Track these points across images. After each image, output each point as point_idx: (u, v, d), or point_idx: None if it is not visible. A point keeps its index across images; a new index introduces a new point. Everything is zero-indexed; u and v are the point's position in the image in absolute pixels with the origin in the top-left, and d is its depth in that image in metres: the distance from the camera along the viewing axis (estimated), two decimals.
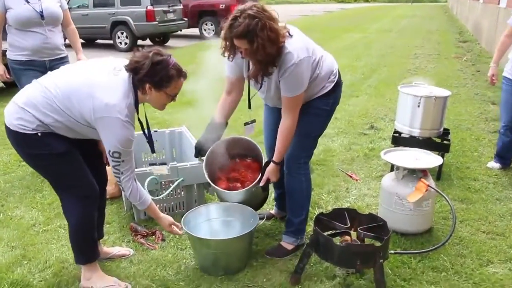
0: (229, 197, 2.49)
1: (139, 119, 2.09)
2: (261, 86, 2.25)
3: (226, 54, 2.14)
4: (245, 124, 2.59)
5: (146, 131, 2.16)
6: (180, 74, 2.01)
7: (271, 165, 2.33)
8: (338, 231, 2.30)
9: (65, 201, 2.13)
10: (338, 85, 2.38)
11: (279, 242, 2.64)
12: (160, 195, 2.94)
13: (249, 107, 2.50)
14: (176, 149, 3.68)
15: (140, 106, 2.07)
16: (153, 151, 2.27)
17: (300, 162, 2.42)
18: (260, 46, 1.96)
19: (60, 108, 1.94)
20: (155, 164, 2.78)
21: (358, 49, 10.30)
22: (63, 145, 2.01)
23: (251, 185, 2.42)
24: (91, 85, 1.92)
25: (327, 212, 2.42)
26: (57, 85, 1.96)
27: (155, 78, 1.96)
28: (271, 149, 2.49)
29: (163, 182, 2.97)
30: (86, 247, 2.23)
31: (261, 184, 2.39)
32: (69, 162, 2.05)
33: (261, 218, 2.58)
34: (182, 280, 2.35)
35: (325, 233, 2.22)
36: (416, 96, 3.44)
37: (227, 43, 2.07)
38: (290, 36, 2.09)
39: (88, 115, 1.92)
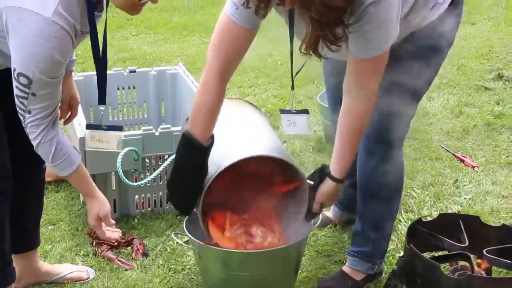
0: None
1: (90, 25, 1.97)
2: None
3: (252, 3, 1.85)
4: (282, 112, 2.47)
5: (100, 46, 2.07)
6: None
7: (329, 183, 2.21)
8: (448, 253, 2.24)
9: None
10: None
11: (341, 268, 2.62)
12: (142, 179, 2.92)
13: (292, 87, 2.41)
14: (167, 102, 3.65)
15: None
16: (102, 99, 2.18)
17: (391, 140, 2.36)
18: None
19: None
20: (99, 128, 2.48)
21: None
22: None
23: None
24: None
25: (427, 219, 2.37)
26: None
27: None
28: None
29: (146, 160, 2.94)
30: None
31: (314, 211, 2.29)
32: None
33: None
34: None
35: (425, 255, 2.17)
36: None
37: None
38: None
39: None
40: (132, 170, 2.92)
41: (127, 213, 3.02)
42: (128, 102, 3.65)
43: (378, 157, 2.36)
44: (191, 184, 2.19)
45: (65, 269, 2.57)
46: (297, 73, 2.33)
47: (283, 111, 2.47)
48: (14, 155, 2.17)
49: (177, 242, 2.79)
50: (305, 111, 2.45)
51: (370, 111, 2.11)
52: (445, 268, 2.23)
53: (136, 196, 3.02)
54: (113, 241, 2.74)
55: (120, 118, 3.67)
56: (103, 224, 2.26)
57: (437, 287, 2.08)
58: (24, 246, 2.45)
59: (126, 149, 2.79)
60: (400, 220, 3.04)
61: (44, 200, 3.01)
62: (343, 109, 2.12)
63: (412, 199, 3.25)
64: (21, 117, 1.97)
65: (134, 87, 3.61)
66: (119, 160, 2.76)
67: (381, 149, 2.36)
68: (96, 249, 2.77)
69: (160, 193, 3.05)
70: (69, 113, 2.40)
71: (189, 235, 2.35)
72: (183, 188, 2.21)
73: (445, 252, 2.27)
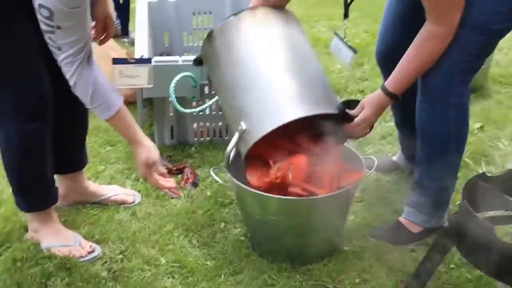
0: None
1: None
2: None
3: None
4: (336, 34, 2.45)
5: None
6: None
7: (379, 93, 2.16)
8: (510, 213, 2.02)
9: None
10: None
11: (397, 218, 2.46)
12: (200, 106, 2.79)
13: (346, 15, 2.33)
14: None
15: None
16: (125, 28, 2.10)
17: (452, 81, 2.15)
18: None
19: None
20: (126, 62, 2.41)
21: None
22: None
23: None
24: None
25: (495, 174, 2.14)
26: None
27: None
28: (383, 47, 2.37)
29: (206, 87, 2.85)
30: (27, 188, 2.23)
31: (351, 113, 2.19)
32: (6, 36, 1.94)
33: (369, 169, 2.35)
34: (212, 258, 2.26)
35: (481, 214, 1.95)
36: None
37: None
38: None
39: None
40: (190, 98, 2.82)
41: (184, 141, 2.95)
42: (204, 28, 3.53)
43: (435, 100, 2.18)
44: None
45: (110, 191, 2.56)
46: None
47: (337, 35, 2.48)
48: (58, 79, 2.07)
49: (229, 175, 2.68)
50: (353, 50, 2.41)
51: (443, 36, 2.03)
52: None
53: (195, 125, 2.94)
54: (165, 167, 2.69)
55: (195, 44, 3.56)
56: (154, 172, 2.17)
57: (488, 252, 1.85)
58: (69, 168, 2.46)
59: (181, 74, 2.67)
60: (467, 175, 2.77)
61: None
62: (422, 32, 2.04)
63: (497, 150, 3.00)
64: (55, 56, 1.91)
65: (210, 13, 3.48)
66: (172, 85, 2.65)
67: (439, 91, 2.16)
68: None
69: (220, 123, 2.94)
70: (105, 34, 2.32)
71: (229, 173, 2.22)
72: None
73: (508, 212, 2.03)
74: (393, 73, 2.13)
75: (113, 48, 3.29)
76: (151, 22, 3.37)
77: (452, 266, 2.24)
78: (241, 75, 2.11)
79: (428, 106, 2.20)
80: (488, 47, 2.14)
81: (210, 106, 2.79)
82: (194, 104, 2.85)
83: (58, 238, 2.27)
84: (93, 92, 1.95)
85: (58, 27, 1.82)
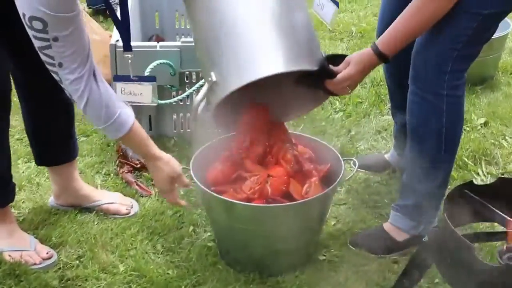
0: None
1: None
2: None
3: None
4: None
5: None
6: None
7: (368, 51, 2.00)
8: (497, 230, 1.90)
9: None
10: None
11: (382, 223, 2.33)
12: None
13: None
14: None
15: None
16: (127, 45, 2.09)
17: (444, 71, 2.03)
18: None
19: None
20: (128, 80, 2.32)
21: None
22: None
23: None
24: None
25: (484, 183, 2.04)
26: None
27: None
28: (383, 25, 2.20)
29: (187, 73, 2.72)
30: None
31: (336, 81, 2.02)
32: None
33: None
34: (176, 266, 2.13)
35: (463, 229, 1.85)
36: None
37: None
38: None
39: None
40: (168, 86, 2.68)
41: (163, 133, 2.83)
42: None
43: (426, 93, 2.06)
44: None
45: (105, 198, 2.40)
46: None
47: None
48: (34, 70, 1.97)
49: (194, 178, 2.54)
50: (336, 3, 2.26)
51: (452, 1, 1.88)
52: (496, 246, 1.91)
53: (174, 115, 2.80)
54: (136, 163, 2.57)
55: (189, 26, 3.38)
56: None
57: (468, 272, 1.71)
58: (49, 159, 2.34)
59: (155, 62, 2.55)
60: (478, 174, 2.65)
61: None
62: None
63: (500, 149, 2.82)
64: (56, 77, 1.74)
65: None
66: (146, 73, 2.53)
67: (430, 84, 2.04)
68: (118, 169, 2.60)
69: None
70: None
71: (192, 175, 2.06)
72: None
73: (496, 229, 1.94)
74: (387, 31, 1.97)
75: (94, 30, 3.14)
76: (140, 0, 3.25)
77: (436, 280, 2.10)
78: (216, 22, 1.93)
79: (418, 98, 2.08)
80: (483, 32, 2.01)
81: (189, 96, 2.66)
82: (173, 94, 2.71)
83: (11, 241, 2.15)
84: (107, 108, 1.78)
85: (55, 39, 1.66)
